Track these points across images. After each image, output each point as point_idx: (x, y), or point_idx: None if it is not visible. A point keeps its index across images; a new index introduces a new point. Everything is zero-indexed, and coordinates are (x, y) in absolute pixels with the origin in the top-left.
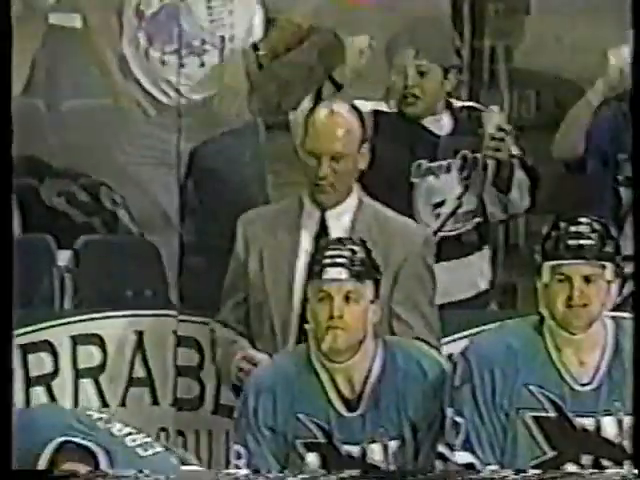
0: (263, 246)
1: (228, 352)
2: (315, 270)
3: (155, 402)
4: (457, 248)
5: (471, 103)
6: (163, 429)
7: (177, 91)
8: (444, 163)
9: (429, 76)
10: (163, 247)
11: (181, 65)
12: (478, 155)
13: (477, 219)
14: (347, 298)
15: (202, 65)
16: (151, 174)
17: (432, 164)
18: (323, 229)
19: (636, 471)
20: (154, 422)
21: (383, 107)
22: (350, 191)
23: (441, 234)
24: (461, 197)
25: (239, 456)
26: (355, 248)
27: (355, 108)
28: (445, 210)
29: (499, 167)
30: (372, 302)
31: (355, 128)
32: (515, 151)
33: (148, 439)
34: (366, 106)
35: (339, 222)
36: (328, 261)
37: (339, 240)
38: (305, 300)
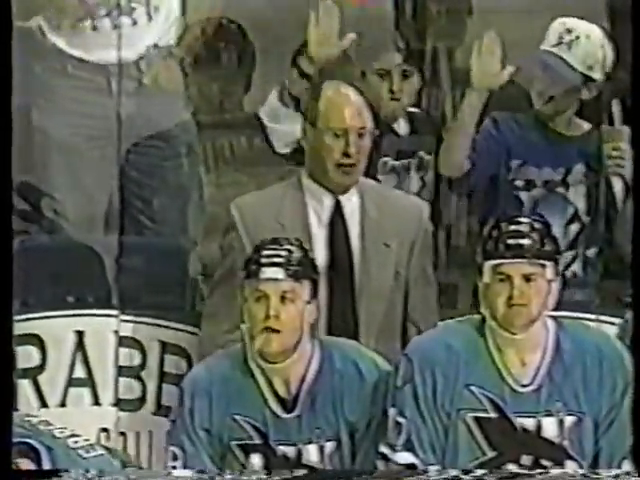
0: (268, 233)
1: None
2: (252, 269)
3: (96, 402)
4: None
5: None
6: (104, 430)
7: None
8: (406, 162)
9: (411, 79)
10: (103, 247)
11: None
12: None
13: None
14: (283, 298)
15: (135, 23)
16: (90, 169)
17: (396, 162)
18: (338, 213)
19: (581, 471)
20: (95, 422)
21: None
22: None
23: None
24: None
25: (175, 457)
26: (292, 248)
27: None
28: None
29: None
30: (309, 302)
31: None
32: None
33: (90, 441)
34: None
35: (350, 204)
36: (265, 261)
37: (275, 240)
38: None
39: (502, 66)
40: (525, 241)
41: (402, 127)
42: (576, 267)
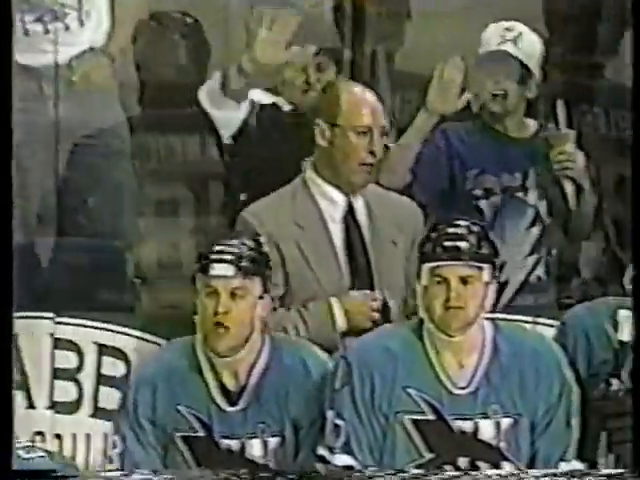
0: (290, 238)
1: None
2: (202, 265)
3: (31, 406)
4: None
5: None
6: (39, 433)
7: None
8: None
9: (327, 72)
10: (38, 248)
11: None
12: None
13: None
14: (234, 294)
15: (67, 29)
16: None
17: None
18: (350, 212)
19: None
20: (30, 425)
21: (282, 102)
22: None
23: None
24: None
25: (114, 446)
26: (245, 243)
27: None
28: None
29: None
30: (261, 297)
31: None
32: None
33: (29, 442)
34: (267, 99)
35: (358, 204)
36: (215, 257)
37: (229, 233)
38: None
39: (461, 92)
40: (462, 244)
41: None
42: (540, 271)
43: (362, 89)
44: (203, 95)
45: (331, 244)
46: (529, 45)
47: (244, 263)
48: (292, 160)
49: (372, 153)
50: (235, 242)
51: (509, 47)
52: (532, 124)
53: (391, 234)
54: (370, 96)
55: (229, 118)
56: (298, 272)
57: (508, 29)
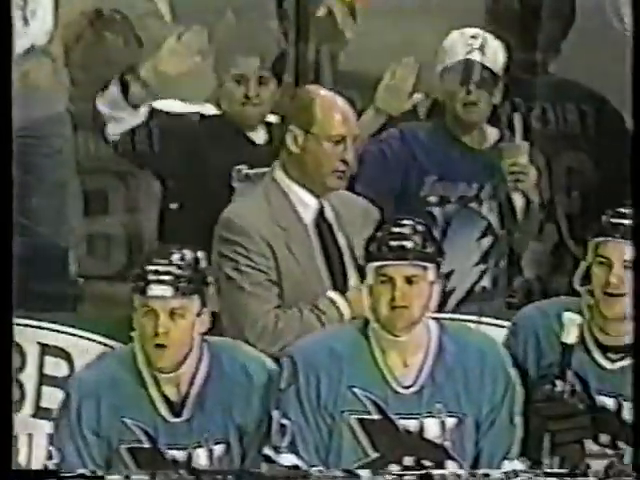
0: (277, 238)
1: None
2: (140, 285)
3: None
4: None
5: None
6: None
7: None
8: (261, 171)
9: (268, 86)
10: None
11: None
12: None
13: None
14: (173, 313)
15: None
16: None
17: (251, 171)
18: (321, 214)
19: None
20: None
21: (210, 110)
22: None
23: None
24: None
25: (50, 457)
26: (181, 263)
27: None
28: None
29: None
30: (199, 315)
31: None
32: None
33: None
34: (189, 107)
35: (327, 206)
36: (153, 277)
37: (166, 251)
38: None
39: (411, 93)
40: (407, 243)
41: (260, 135)
42: (486, 282)
43: (335, 96)
44: (101, 99)
45: (310, 245)
46: (493, 52)
47: (182, 283)
48: (216, 167)
49: (344, 161)
50: (173, 259)
51: (477, 56)
52: (494, 133)
53: (358, 234)
54: (343, 104)
55: (122, 121)
56: (289, 272)
57: (473, 37)
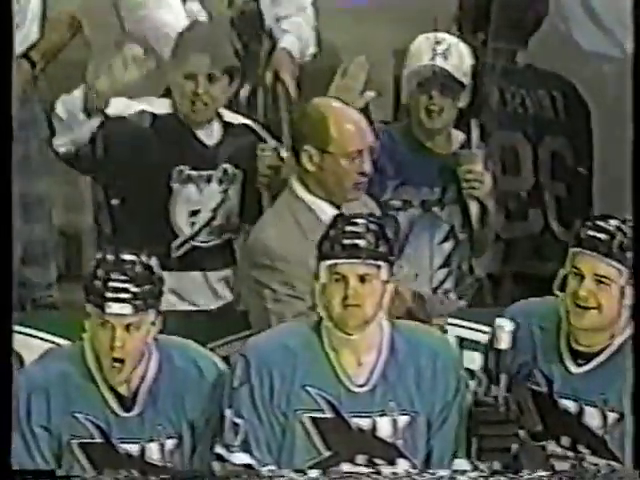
0: (301, 253)
1: None
2: (97, 301)
3: None
4: (208, 260)
5: (244, 120)
6: None
7: None
8: (205, 174)
9: (218, 84)
10: None
11: None
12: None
13: (229, 235)
14: (129, 327)
15: None
16: None
17: (193, 172)
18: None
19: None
20: None
21: (159, 109)
22: None
23: (194, 243)
24: (217, 210)
25: None
26: (137, 277)
27: None
28: (200, 220)
29: None
30: (153, 324)
31: None
32: None
33: None
34: (137, 106)
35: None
36: (110, 295)
37: (121, 265)
38: None
39: (362, 91)
40: (360, 241)
41: (213, 136)
42: (449, 285)
43: (346, 108)
44: (60, 103)
45: None
46: (459, 57)
47: (139, 300)
48: (160, 166)
49: (363, 173)
50: (129, 275)
51: (440, 61)
52: (459, 138)
53: None
54: (357, 116)
55: (73, 129)
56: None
57: (438, 42)
